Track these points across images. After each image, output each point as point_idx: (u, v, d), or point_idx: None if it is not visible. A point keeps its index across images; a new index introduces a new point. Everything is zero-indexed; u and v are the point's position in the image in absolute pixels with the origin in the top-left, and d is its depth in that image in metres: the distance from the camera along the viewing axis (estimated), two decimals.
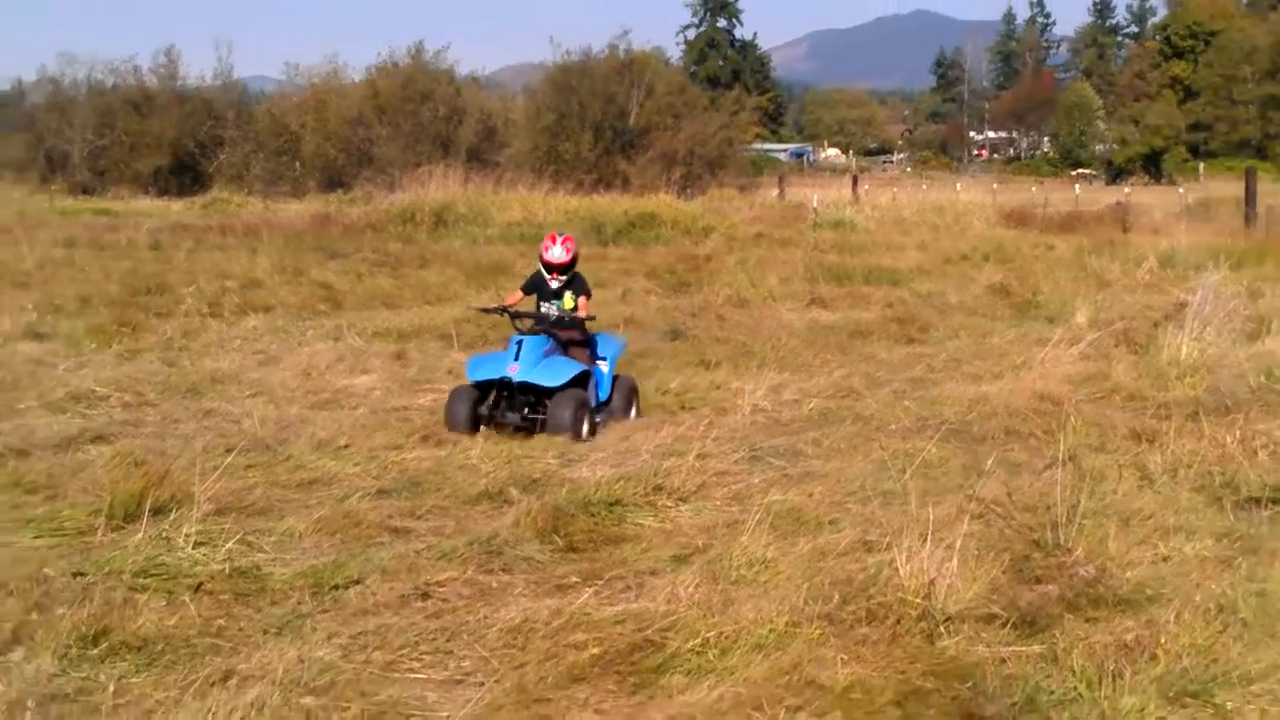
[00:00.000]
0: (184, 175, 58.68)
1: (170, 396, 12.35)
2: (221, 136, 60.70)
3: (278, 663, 5.71)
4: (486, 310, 12.03)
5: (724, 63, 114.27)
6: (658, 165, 53.19)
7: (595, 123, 54.67)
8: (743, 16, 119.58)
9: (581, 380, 10.75)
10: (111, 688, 5.57)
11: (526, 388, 10.44)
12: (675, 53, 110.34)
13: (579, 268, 11.51)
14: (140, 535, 7.36)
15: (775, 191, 54.58)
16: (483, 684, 5.65)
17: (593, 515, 8.16)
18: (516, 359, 10.35)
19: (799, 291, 20.80)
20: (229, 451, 9.48)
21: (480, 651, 6.06)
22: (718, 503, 8.63)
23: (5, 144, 70.63)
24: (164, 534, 7.41)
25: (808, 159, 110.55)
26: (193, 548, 7.23)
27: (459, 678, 5.80)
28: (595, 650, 5.93)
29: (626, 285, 21.47)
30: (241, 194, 50.66)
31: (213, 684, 5.53)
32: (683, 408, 12.10)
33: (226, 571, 7.03)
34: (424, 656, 6.03)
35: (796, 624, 6.19)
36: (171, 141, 59.84)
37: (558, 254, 11.06)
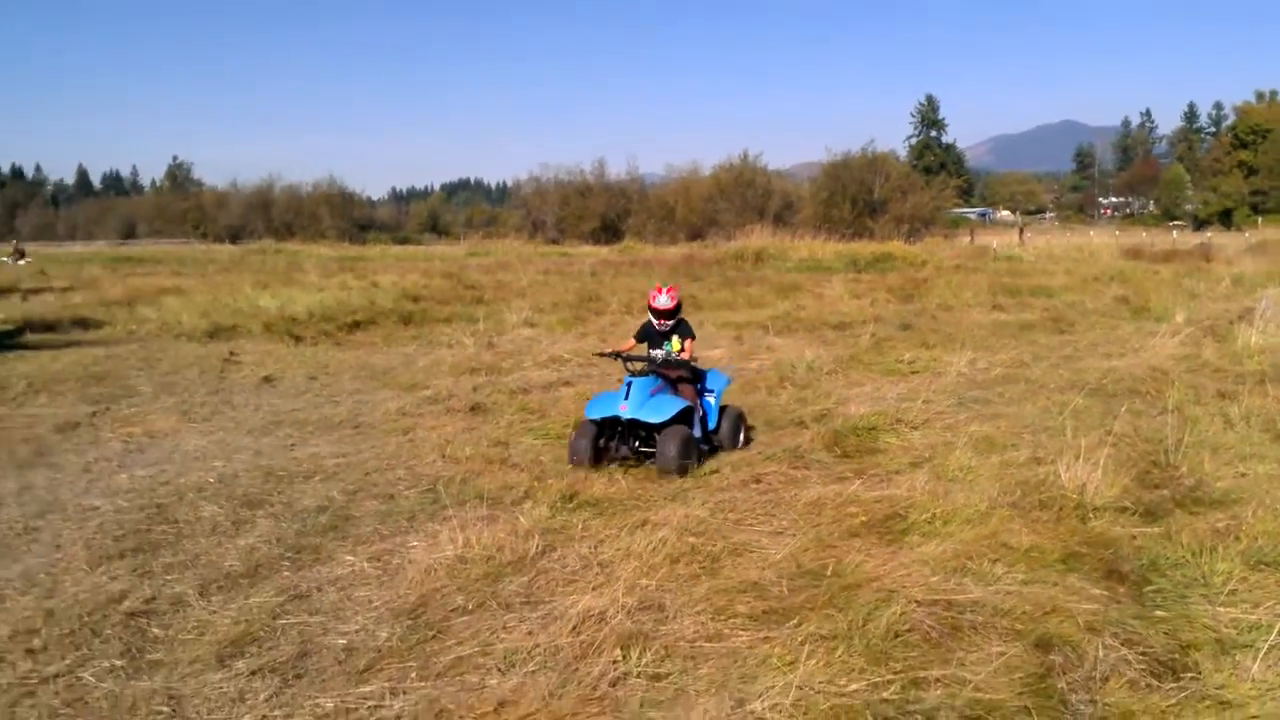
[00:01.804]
0: (608, 232, 60.42)
1: (604, 361, 12.74)
2: (629, 209, 62.38)
3: (673, 516, 5.89)
4: (603, 355, 8.77)
5: (934, 158, 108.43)
6: (892, 223, 52.00)
7: (853, 197, 53.78)
8: (946, 128, 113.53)
9: (686, 416, 7.73)
10: (580, 525, 5.86)
11: (636, 424, 7.55)
12: (903, 152, 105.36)
13: (684, 315, 8.40)
14: None
15: (967, 239, 52.08)
16: (794, 535, 5.64)
17: (858, 435, 8.01)
18: (626, 398, 7.48)
19: (985, 301, 19.83)
20: None
21: (792, 515, 6.06)
22: (937, 430, 8.33)
23: (509, 215, 74.69)
24: None
25: (988, 218, 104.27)
26: None
27: (779, 531, 5.80)
28: (863, 518, 5.86)
29: (873, 297, 20.88)
30: (641, 243, 51.86)
31: (636, 527, 5.72)
32: (913, 372, 11.70)
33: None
34: (758, 517, 6.07)
35: (992, 508, 5.99)
36: (600, 213, 61.89)
37: (663, 301, 8.00)
